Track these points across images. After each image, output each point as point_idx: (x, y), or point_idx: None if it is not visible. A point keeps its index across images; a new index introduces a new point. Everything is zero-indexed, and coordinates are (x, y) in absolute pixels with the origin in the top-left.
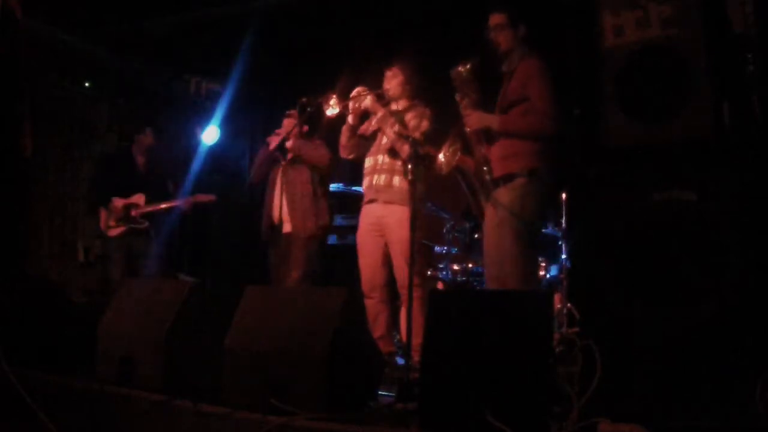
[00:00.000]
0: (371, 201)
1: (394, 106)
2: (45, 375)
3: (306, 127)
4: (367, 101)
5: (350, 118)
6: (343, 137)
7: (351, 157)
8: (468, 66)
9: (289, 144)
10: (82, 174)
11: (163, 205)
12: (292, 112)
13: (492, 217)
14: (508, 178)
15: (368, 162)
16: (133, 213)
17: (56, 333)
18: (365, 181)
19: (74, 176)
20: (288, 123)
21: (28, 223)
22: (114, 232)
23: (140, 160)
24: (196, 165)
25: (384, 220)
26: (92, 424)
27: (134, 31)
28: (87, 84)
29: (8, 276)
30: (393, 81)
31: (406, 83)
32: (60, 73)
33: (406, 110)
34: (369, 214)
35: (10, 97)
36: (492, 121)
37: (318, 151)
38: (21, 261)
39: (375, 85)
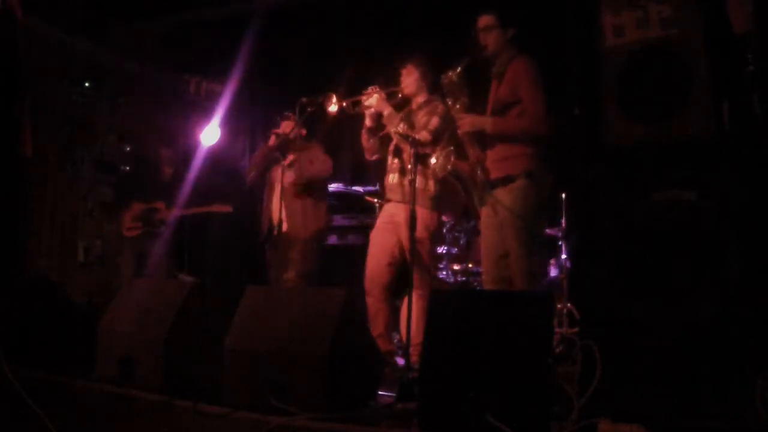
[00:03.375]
0: (388, 200)
1: (413, 105)
2: (45, 375)
3: (304, 131)
4: (373, 100)
5: (367, 120)
6: (363, 140)
7: (375, 158)
8: (458, 70)
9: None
10: (82, 174)
11: (183, 213)
12: (290, 114)
13: (491, 218)
14: (506, 180)
15: (387, 161)
16: (155, 217)
17: (56, 333)
18: (384, 180)
19: (74, 176)
20: (286, 125)
21: (28, 223)
22: (130, 232)
23: (166, 171)
24: (195, 166)
25: (396, 219)
26: (92, 424)
27: (134, 31)
28: (87, 84)
29: (8, 276)
30: (408, 79)
31: (422, 79)
32: (60, 73)
33: (420, 107)
34: (385, 212)
35: (10, 96)
36: (485, 123)
37: (318, 166)
38: (21, 261)
39: (382, 84)
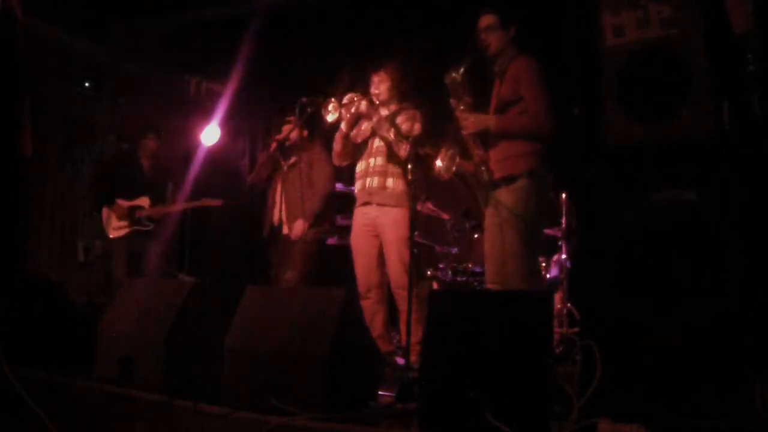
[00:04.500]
0: (365, 204)
1: (383, 111)
2: (45, 375)
3: (306, 132)
4: (363, 106)
5: (343, 126)
6: (338, 145)
7: (345, 163)
8: (461, 70)
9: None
10: (82, 174)
11: (170, 209)
12: (292, 118)
13: (493, 217)
14: (509, 180)
15: (360, 166)
16: (138, 214)
17: (56, 333)
18: (357, 185)
19: (74, 176)
20: (287, 129)
21: (28, 223)
22: (117, 233)
23: (146, 163)
24: (195, 165)
25: (378, 221)
26: (92, 424)
27: (134, 31)
28: (87, 84)
29: (8, 276)
30: (381, 86)
31: (394, 87)
32: (60, 73)
33: (395, 114)
34: (363, 215)
35: (10, 96)
36: (489, 122)
37: (320, 183)
38: (21, 261)
39: (361, 91)
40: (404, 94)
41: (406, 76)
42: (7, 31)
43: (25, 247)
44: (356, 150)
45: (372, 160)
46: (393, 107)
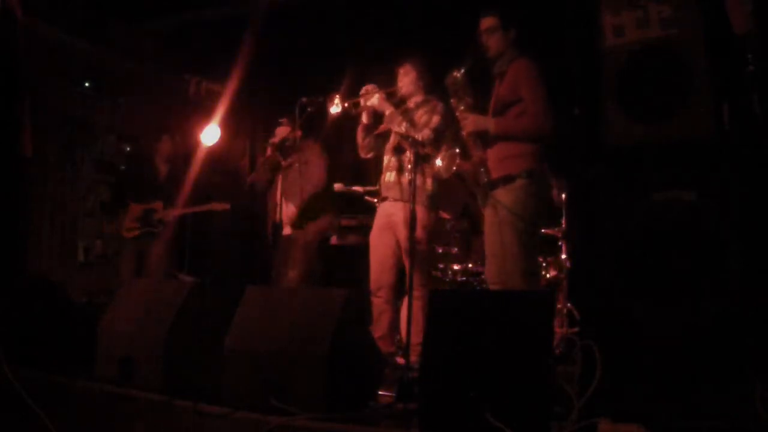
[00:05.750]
0: (384, 198)
1: (410, 104)
2: (45, 375)
3: (299, 132)
4: (375, 99)
5: (364, 118)
6: (359, 137)
7: (369, 156)
8: (463, 71)
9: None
10: (82, 174)
11: (181, 212)
12: (284, 120)
13: (492, 217)
14: (507, 180)
15: (384, 160)
16: (155, 217)
17: (56, 333)
18: (380, 180)
19: (74, 176)
20: (281, 131)
21: (28, 223)
22: (129, 234)
23: (162, 167)
24: (194, 165)
25: (393, 219)
26: (92, 424)
27: (134, 31)
28: (87, 84)
29: (8, 276)
30: (405, 78)
31: (419, 79)
32: (60, 73)
33: (418, 106)
34: (382, 213)
35: (10, 96)
36: (488, 124)
37: (312, 178)
38: (21, 261)
39: (380, 84)
40: (429, 86)
41: (430, 69)
42: (7, 31)
43: (25, 247)
44: (380, 143)
45: (391, 155)
46: (417, 99)
